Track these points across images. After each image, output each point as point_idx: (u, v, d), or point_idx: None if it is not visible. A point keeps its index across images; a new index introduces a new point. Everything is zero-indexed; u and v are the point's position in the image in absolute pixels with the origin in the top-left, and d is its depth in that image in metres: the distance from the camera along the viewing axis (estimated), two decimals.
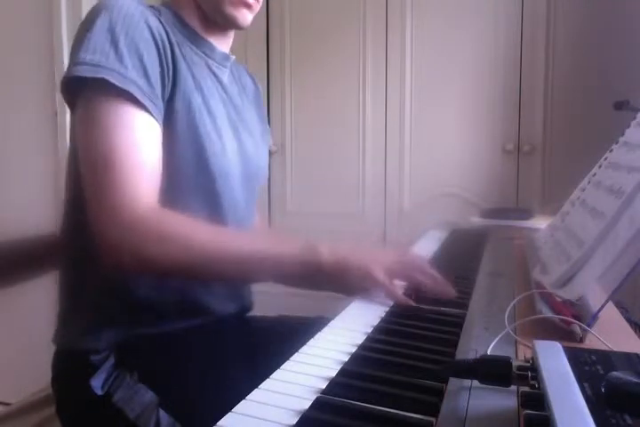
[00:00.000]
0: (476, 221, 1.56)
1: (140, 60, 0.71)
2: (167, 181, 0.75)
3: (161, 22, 0.78)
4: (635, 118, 0.89)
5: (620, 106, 1.31)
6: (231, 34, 0.91)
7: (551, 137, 1.98)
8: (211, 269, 0.72)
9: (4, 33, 1.93)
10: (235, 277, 0.77)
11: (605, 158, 0.91)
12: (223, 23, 0.85)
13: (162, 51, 0.74)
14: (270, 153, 2.35)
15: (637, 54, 1.82)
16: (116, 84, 0.69)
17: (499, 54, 2.01)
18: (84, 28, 0.72)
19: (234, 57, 0.92)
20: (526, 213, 1.59)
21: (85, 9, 1.86)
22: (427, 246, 1.19)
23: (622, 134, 0.90)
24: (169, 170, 0.75)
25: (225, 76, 0.90)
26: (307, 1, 2.25)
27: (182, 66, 0.78)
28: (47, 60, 1.85)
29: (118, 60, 0.70)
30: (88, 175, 0.71)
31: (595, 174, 0.91)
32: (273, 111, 2.33)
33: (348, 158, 2.23)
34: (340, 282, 0.72)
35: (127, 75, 0.70)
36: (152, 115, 0.72)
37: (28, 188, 2.00)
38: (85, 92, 0.72)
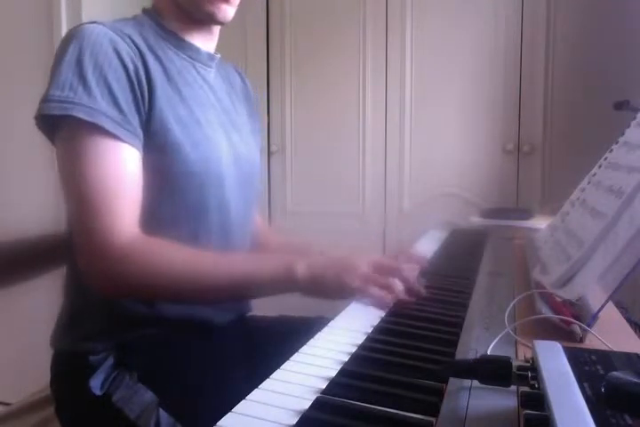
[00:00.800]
0: (476, 221, 1.56)
1: (109, 90, 0.72)
2: (155, 196, 0.77)
3: (134, 43, 0.77)
4: (635, 118, 0.89)
5: (619, 106, 1.31)
6: (216, 31, 0.91)
7: (551, 137, 1.98)
8: (191, 292, 0.74)
9: (3, 33, 1.93)
10: (216, 298, 0.79)
11: (605, 158, 0.91)
12: (204, 20, 0.85)
13: (133, 77, 0.75)
14: (270, 153, 2.35)
15: (637, 54, 1.82)
16: (86, 118, 0.70)
17: (499, 54, 2.01)
18: (55, 61, 0.73)
19: (219, 55, 0.92)
20: (526, 213, 1.58)
21: (85, 9, 1.86)
22: (427, 246, 1.18)
23: (622, 134, 0.90)
24: (156, 186, 0.77)
25: (211, 76, 0.90)
26: (307, 1, 2.25)
27: (159, 83, 0.78)
28: (47, 60, 1.84)
29: (86, 92, 0.70)
30: (70, 211, 0.74)
31: (595, 174, 0.91)
32: (273, 111, 2.33)
33: (348, 158, 2.23)
34: (319, 294, 0.74)
35: (96, 107, 0.70)
36: (127, 142, 0.73)
37: (28, 188, 2.00)
38: (59, 128, 0.73)
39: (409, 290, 0.74)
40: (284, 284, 0.73)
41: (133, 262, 0.71)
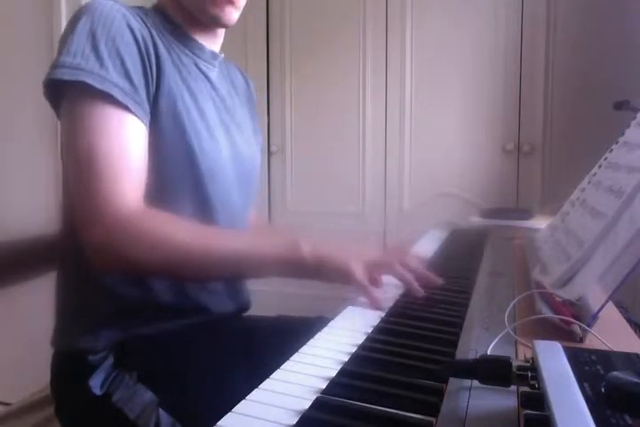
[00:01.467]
0: (476, 221, 1.56)
1: (122, 62, 0.72)
2: (156, 181, 0.76)
3: (145, 24, 0.78)
4: (635, 118, 0.89)
5: (619, 106, 1.31)
6: (220, 32, 0.91)
7: (551, 137, 1.98)
8: (194, 267, 0.73)
9: (3, 33, 1.93)
10: (219, 275, 0.77)
11: (605, 158, 0.91)
12: (208, 22, 0.85)
13: (144, 52, 0.75)
14: (270, 153, 2.35)
15: (637, 54, 1.82)
16: (97, 86, 0.69)
17: (499, 54, 2.01)
18: (66, 32, 0.73)
19: (222, 55, 0.92)
20: (526, 213, 1.59)
21: None
22: (427, 246, 1.18)
23: (622, 134, 0.90)
24: (158, 170, 0.76)
25: (214, 74, 0.90)
26: (307, 1, 2.25)
27: (168, 66, 0.78)
28: (47, 60, 1.84)
29: (99, 62, 0.70)
30: (73, 178, 0.72)
31: (595, 174, 0.91)
32: (273, 111, 2.33)
33: (348, 158, 2.23)
34: (321, 277, 0.73)
35: (107, 77, 0.70)
36: (136, 115, 0.73)
37: (28, 188, 2.00)
38: (67, 96, 0.73)
39: (420, 279, 0.75)
40: (290, 261, 0.72)
41: (133, 231, 0.69)
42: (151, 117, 0.76)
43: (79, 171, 0.71)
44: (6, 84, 1.96)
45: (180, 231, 0.72)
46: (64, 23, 1.85)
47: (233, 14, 0.84)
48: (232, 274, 0.78)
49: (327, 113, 2.26)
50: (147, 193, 0.75)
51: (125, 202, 0.70)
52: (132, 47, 0.74)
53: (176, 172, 0.78)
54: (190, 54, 0.86)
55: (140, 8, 0.84)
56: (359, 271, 0.71)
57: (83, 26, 0.72)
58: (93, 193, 0.69)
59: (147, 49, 0.75)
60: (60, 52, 0.71)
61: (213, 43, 0.90)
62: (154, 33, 0.78)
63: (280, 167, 2.34)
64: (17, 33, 1.91)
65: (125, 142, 0.71)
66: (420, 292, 0.74)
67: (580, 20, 1.92)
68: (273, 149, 2.34)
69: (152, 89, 0.75)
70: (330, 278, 0.73)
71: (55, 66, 0.70)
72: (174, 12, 0.85)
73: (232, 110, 0.92)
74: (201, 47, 0.87)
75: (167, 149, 0.77)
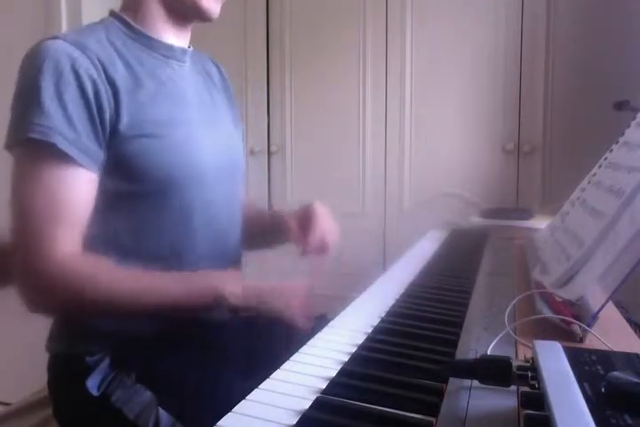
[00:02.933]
0: (476, 221, 1.56)
1: (65, 109, 0.72)
2: (142, 202, 0.78)
3: (97, 55, 0.77)
4: (635, 118, 0.89)
5: (619, 106, 1.31)
6: (190, 27, 0.91)
7: (551, 137, 1.98)
8: (117, 312, 0.75)
9: (4, 33, 1.93)
10: (143, 317, 0.78)
11: (605, 158, 0.91)
12: (190, 16, 0.86)
13: (91, 94, 0.74)
14: (270, 153, 2.35)
15: (637, 54, 1.82)
16: (39, 137, 0.70)
17: (499, 55, 2.01)
18: (17, 82, 0.75)
19: (191, 48, 0.92)
20: (526, 213, 1.59)
21: (85, 9, 1.86)
22: (427, 246, 1.18)
23: (622, 134, 0.90)
24: (142, 190, 0.78)
25: (186, 70, 0.90)
26: (307, 1, 2.25)
27: (127, 90, 0.78)
28: None
29: (41, 113, 0.71)
30: (12, 226, 0.74)
31: (595, 174, 0.91)
32: (273, 111, 2.33)
33: (348, 158, 2.23)
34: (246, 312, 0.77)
35: (50, 125, 0.71)
36: (80, 164, 0.73)
37: None
38: (16, 149, 0.74)
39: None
40: (210, 308, 0.75)
41: (59, 280, 0.71)
42: (119, 144, 0.76)
43: (16, 220, 0.73)
44: (6, 84, 1.96)
45: (101, 279, 0.73)
46: (64, 23, 1.85)
47: (216, 7, 0.85)
48: (154, 316, 0.78)
49: (327, 113, 2.26)
50: (127, 214, 0.78)
51: (55, 253, 0.71)
52: (77, 93, 0.73)
53: (158, 189, 0.79)
54: (160, 57, 0.85)
55: (103, 23, 0.84)
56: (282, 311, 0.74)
57: (27, 77, 0.73)
58: (26, 244, 0.72)
59: (95, 90, 0.74)
60: (12, 110, 0.73)
61: (183, 38, 0.90)
62: (110, 60, 0.78)
63: (280, 167, 2.34)
64: (17, 33, 1.91)
65: (65, 195, 0.73)
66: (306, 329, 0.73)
67: (579, 19, 1.92)
68: (273, 149, 2.34)
69: (108, 126, 0.75)
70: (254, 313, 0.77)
71: (10, 128, 0.73)
72: (148, 11, 0.84)
73: (209, 105, 0.93)
74: (169, 47, 0.86)
75: (145, 171, 0.78)
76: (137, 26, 0.84)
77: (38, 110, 0.71)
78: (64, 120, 0.72)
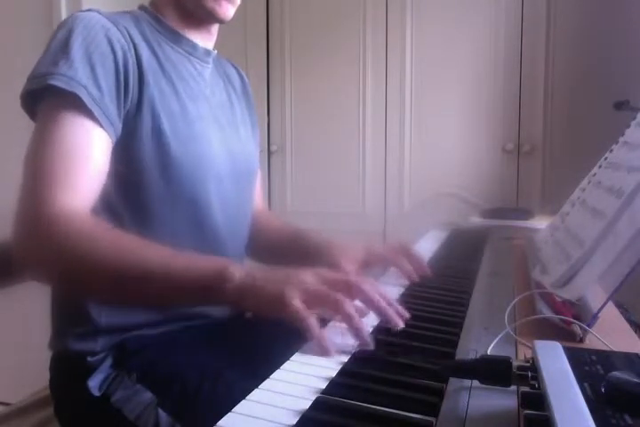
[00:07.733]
0: (476, 221, 1.56)
1: (92, 67, 0.71)
2: (153, 185, 0.77)
3: (129, 34, 0.77)
4: (635, 118, 0.89)
5: (619, 106, 1.31)
6: (214, 30, 0.91)
7: (551, 137, 1.98)
8: (102, 282, 0.67)
9: (4, 33, 1.93)
10: (133, 294, 0.68)
11: (605, 158, 0.91)
12: (204, 17, 0.86)
13: (120, 64, 0.73)
14: (270, 153, 2.35)
15: (637, 54, 1.82)
16: (63, 87, 0.68)
17: (499, 55, 2.01)
18: (48, 45, 0.73)
19: (215, 52, 0.92)
20: (526, 213, 1.58)
21: (85, 9, 1.86)
22: (427, 246, 1.18)
23: (622, 134, 0.90)
24: (152, 173, 0.76)
25: (208, 71, 0.90)
26: (307, 1, 2.25)
27: (151, 74, 0.77)
28: None
29: (67, 65, 0.70)
30: (24, 171, 0.72)
31: (595, 174, 0.91)
32: (273, 111, 2.33)
33: (348, 158, 2.23)
34: (248, 307, 0.66)
35: (76, 78, 0.69)
36: (100, 124, 0.71)
37: None
38: (39, 105, 0.73)
39: (379, 312, 0.60)
40: (209, 288, 0.62)
41: (62, 229, 0.65)
42: (133, 127, 0.75)
43: (28, 172, 0.71)
44: (6, 83, 1.96)
45: (100, 243, 0.66)
46: None
47: (229, 10, 0.84)
48: (146, 295, 0.68)
49: (327, 113, 2.26)
50: (136, 197, 0.76)
51: (62, 205, 0.67)
52: (107, 58, 0.73)
53: (167, 177, 0.78)
54: (184, 53, 0.86)
55: (131, 12, 0.84)
56: (296, 300, 0.57)
57: (59, 38, 0.72)
58: (33, 193, 0.68)
59: (125, 61, 0.74)
60: (37, 64, 0.72)
61: (207, 40, 0.91)
62: (138, 42, 0.78)
63: (280, 167, 2.34)
64: (17, 33, 1.91)
65: (82, 151, 0.70)
66: (400, 324, 0.59)
67: (579, 20, 1.92)
68: (273, 148, 2.34)
69: (130, 101, 0.74)
70: (261, 309, 0.61)
71: (28, 78, 0.71)
72: (168, 10, 0.85)
73: (226, 107, 0.93)
74: (194, 45, 0.87)
75: (156, 156, 0.77)
76: (164, 20, 0.85)
77: (65, 63, 0.69)
78: (90, 76, 0.70)
